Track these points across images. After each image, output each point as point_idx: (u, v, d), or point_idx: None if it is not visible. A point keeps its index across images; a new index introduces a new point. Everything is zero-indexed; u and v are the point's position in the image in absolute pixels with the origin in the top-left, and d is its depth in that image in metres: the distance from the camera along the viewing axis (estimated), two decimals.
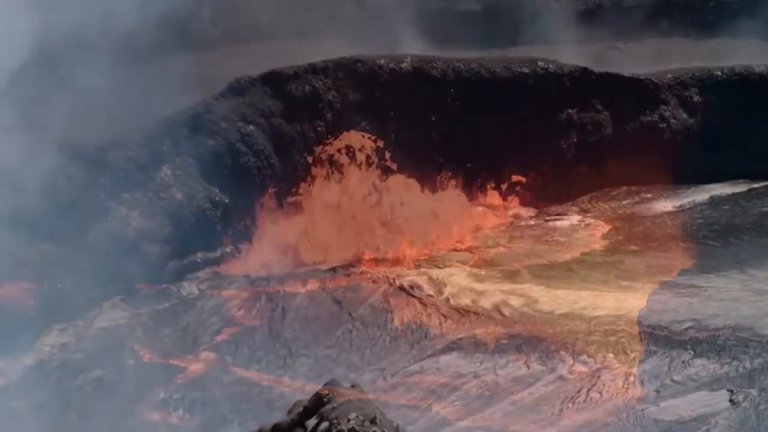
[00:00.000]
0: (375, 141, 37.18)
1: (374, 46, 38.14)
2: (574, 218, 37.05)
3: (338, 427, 15.22)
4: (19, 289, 29.54)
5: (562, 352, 28.04)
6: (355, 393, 16.81)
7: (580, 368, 27.35)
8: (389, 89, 37.62)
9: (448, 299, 31.21)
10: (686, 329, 27.93)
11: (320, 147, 36.70)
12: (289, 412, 17.31)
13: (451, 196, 37.94)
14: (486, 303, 30.76)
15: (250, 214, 35.48)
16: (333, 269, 33.51)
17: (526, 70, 38.31)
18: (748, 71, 38.33)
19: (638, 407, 25.17)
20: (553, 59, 38.65)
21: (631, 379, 26.54)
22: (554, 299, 30.60)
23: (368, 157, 37.32)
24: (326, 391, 16.71)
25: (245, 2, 39.39)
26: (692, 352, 27.04)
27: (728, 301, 29.03)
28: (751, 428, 23.43)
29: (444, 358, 28.60)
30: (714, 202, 36.62)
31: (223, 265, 34.19)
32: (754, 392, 24.63)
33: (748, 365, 25.92)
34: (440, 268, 33.71)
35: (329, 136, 36.82)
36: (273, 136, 36.04)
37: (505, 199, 38.46)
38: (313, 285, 32.53)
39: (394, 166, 37.40)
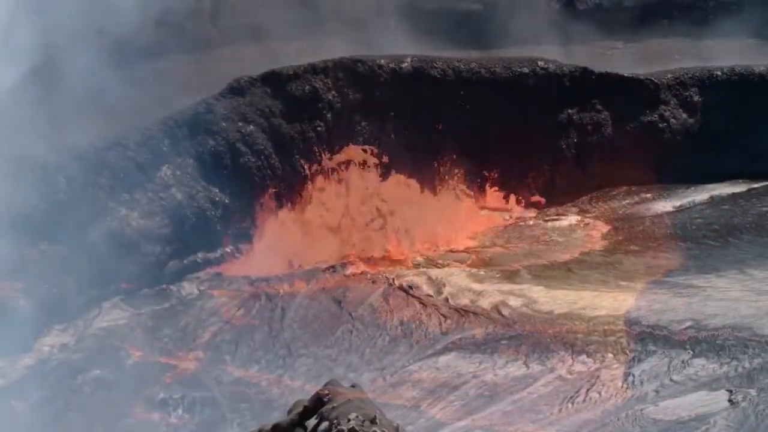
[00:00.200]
0: (375, 153, 37.17)
1: (374, 46, 38.18)
2: (574, 218, 37.07)
3: (338, 427, 15.19)
4: (19, 289, 29.51)
5: (562, 352, 28.01)
6: (355, 393, 16.77)
7: (579, 368, 27.31)
8: (389, 89, 37.65)
9: (447, 299, 31.20)
10: (685, 329, 27.90)
11: (321, 155, 36.70)
12: (289, 412, 17.27)
13: (451, 196, 37.96)
14: (485, 303, 30.78)
15: (250, 214, 35.46)
16: (333, 269, 33.56)
17: (526, 70, 38.33)
18: (748, 71, 38.34)
19: (637, 407, 25.10)
20: (553, 59, 38.68)
21: (630, 379, 26.53)
22: (553, 299, 30.60)
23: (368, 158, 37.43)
24: (326, 391, 16.66)
25: (245, 2, 39.39)
26: (691, 352, 26.99)
27: (727, 300, 28.99)
28: (750, 428, 23.35)
29: (443, 358, 28.59)
30: (713, 201, 36.61)
31: (223, 265, 34.17)
32: (753, 392, 24.55)
33: (747, 365, 25.87)
34: (439, 268, 33.73)
35: (328, 151, 36.73)
36: (273, 136, 36.04)
37: (504, 199, 38.51)
38: (312, 285, 32.54)
39: (393, 167, 37.43)
